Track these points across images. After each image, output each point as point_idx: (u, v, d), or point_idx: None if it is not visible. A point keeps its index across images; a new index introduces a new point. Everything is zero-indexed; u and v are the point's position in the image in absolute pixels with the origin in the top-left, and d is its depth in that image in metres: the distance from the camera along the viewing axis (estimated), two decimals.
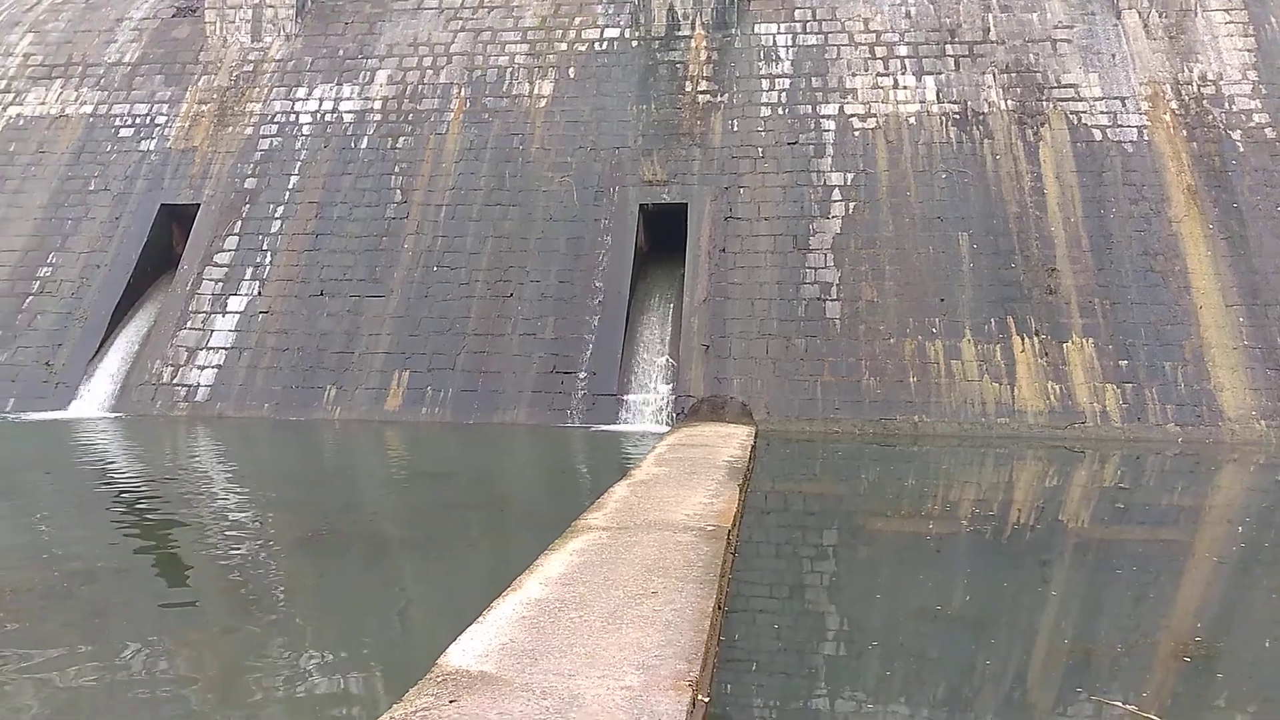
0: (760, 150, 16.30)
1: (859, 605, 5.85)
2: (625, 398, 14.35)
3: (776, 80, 16.99)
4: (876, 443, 13.07)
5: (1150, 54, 16.67)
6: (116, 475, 10.65)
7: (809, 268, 15.13)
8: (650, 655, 3.40)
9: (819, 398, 14.05)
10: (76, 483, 9.98)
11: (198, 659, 4.64)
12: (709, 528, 5.60)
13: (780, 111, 16.63)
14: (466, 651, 3.32)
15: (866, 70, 16.89)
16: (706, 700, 3.37)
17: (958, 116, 16.33)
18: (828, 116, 16.47)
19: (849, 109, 16.53)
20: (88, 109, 18.61)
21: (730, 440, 10.62)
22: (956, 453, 12.53)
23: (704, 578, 4.49)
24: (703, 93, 17.06)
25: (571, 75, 17.51)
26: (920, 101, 16.52)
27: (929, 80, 16.73)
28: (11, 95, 19.07)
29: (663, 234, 16.30)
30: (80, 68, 19.18)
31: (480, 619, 3.70)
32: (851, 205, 15.62)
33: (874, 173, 15.89)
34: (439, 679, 3.06)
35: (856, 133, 16.29)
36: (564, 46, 17.85)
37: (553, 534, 6.15)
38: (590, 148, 16.68)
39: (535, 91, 17.43)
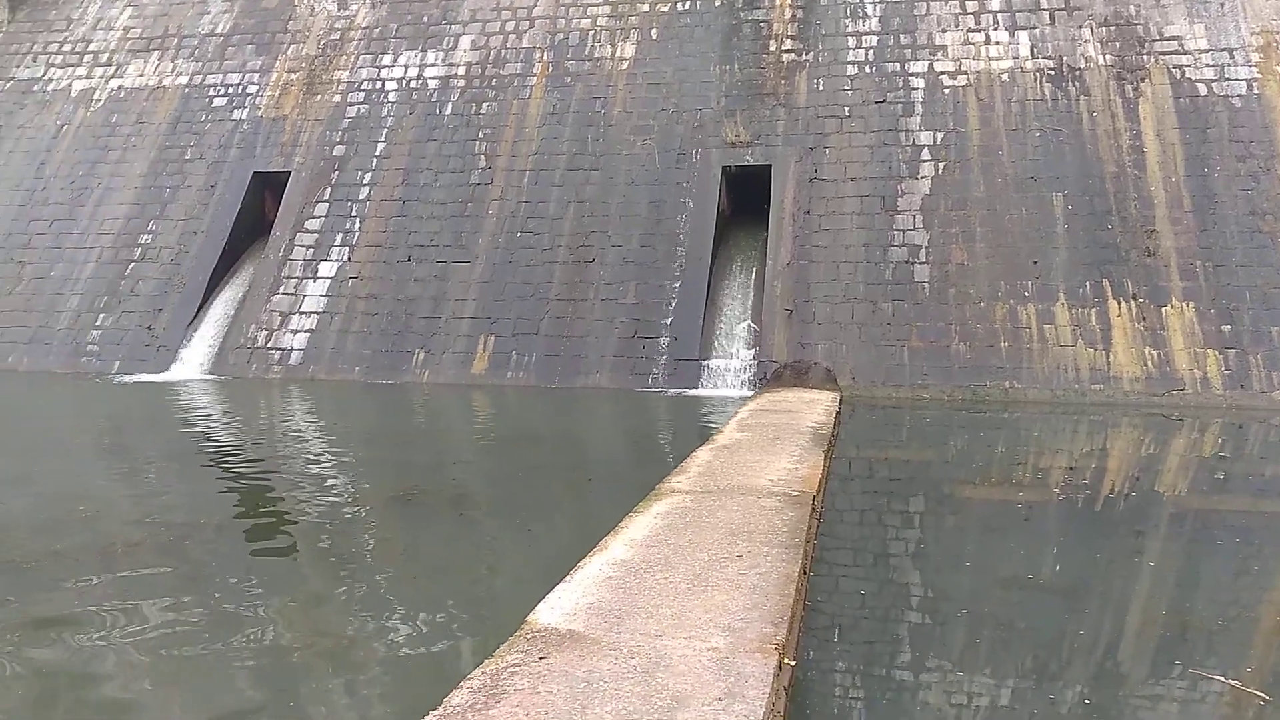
0: (846, 110, 15.99)
1: (945, 573, 5.77)
2: (707, 362, 14.32)
3: (863, 38, 16.61)
4: (965, 409, 12.83)
5: (1263, 1, 15.83)
6: (215, 435, 11.03)
7: (897, 230, 14.85)
8: (736, 618, 3.41)
9: (906, 363, 13.83)
10: (178, 442, 10.37)
11: (293, 614, 4.80)
12: (794, 493, 5.57)
13: (867, 70, 16.27)
14: (555, 610, 3.37)
15: (957, 26, 16.41)
16: (792, 664, 3.37)
17: (1052, 72, 15.77)
18: (917, 74, 16.07)
19: (939, 66, 16.10)
20: (183, 80, 19.11)
21: (814, 406, 10.53)
22: (1048, 420, 12.23)
23: (789, 542, 4.47)
24: (787, 52, 16.77)
25: (654, 37, 17.37)
26: (1014, 58, 15.99)
27: (1022, 35, 16.18)
28: (113, 68, 19.68)
29: (745, 196, 16.14)
30: (176, 39, 19.69)
31: (567, 579, 3.75)
32: (941, 165, 15.24)
33: (964, 132, 15.47)
34: (529, 636, 3.11)
35: (946, 90, 15.86)
36: (646, 8, 17.70)
37: (634, 497, 6.20)
38: (672, 110, 16.56)
39: (617, 54, 17.35)
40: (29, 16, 21.02)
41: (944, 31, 16.40)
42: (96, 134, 18.90)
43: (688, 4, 17.58)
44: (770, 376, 13.90)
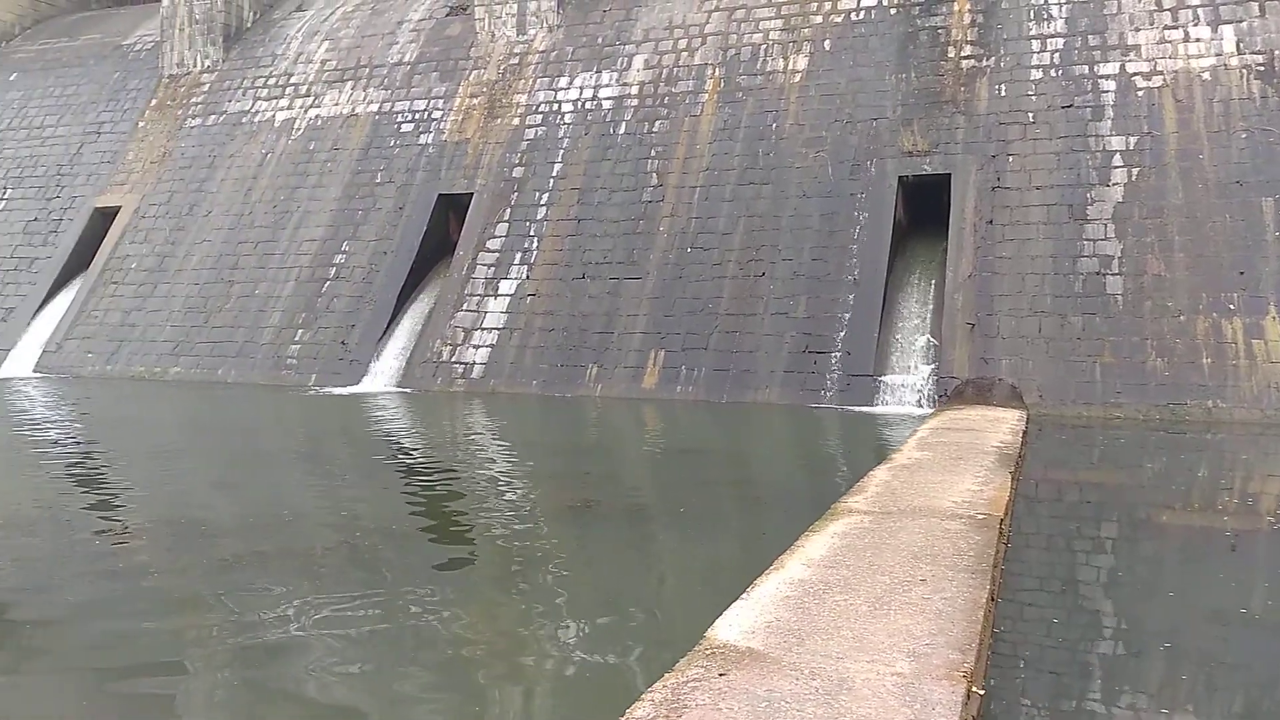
0: (1031, 115, 15.34)
1: (1143, 603, 5.41)
2: (882, 379, 13.98)
3: (1048, 40, 15.92)
4: (1163, 429, 12.04)
5: None
6: (403, 445, 11.57)
7: (1087, 240, 14.12)
8: (921, 643, 3.30)
9: (1098, 380, 13.10)
10: (369, 451, 10.93)
11: (474, 620, 4.95)
12: (979, 516, 5.35)
13: (1053, 73, 15.58)
14: (733, 627, 3.35)
15: (1152, 24, 15.49)
16: (981, 693, 3.23)
17: (1261, 69, 14.66)
18: (1107, 76, 15.26)
19: (1131, 67, 15.24)
20: (374, 107, 20.21)
21: (999, 425, 10.12)
22: (1258, 442, 11.33)
23: (975, 567, 4.30)
24: (966, 58, 16.26)
25: (827, 48, 17.18)
26: (1216, 54, 14.97)
27: (1226, 30, 15.12)
28: (311, 99, 21.02)
29: (923, 207, 15.71)
30: (367, 70, 20.85)
31: (745, 596, 3.72)
32: (1135, 171, 14.41)
33: (1160, 135, 14.57)
34: (708, 652, 3.10)
35: (1140, 92, 14.99)
36: (819, 19, 17.54)
37: (807, 514, 6.10)
38: (846, 121, 16.31)
39: (789, 67, 17.24)
40: (240, 55, 22.73)
41: (1137, 30, 15.52)
42: (296, 161, 20.21)
43: (862, 14, 17.31)
44: (950, 393, 13.44)
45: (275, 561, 5.94)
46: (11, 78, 25.22)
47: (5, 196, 22.77)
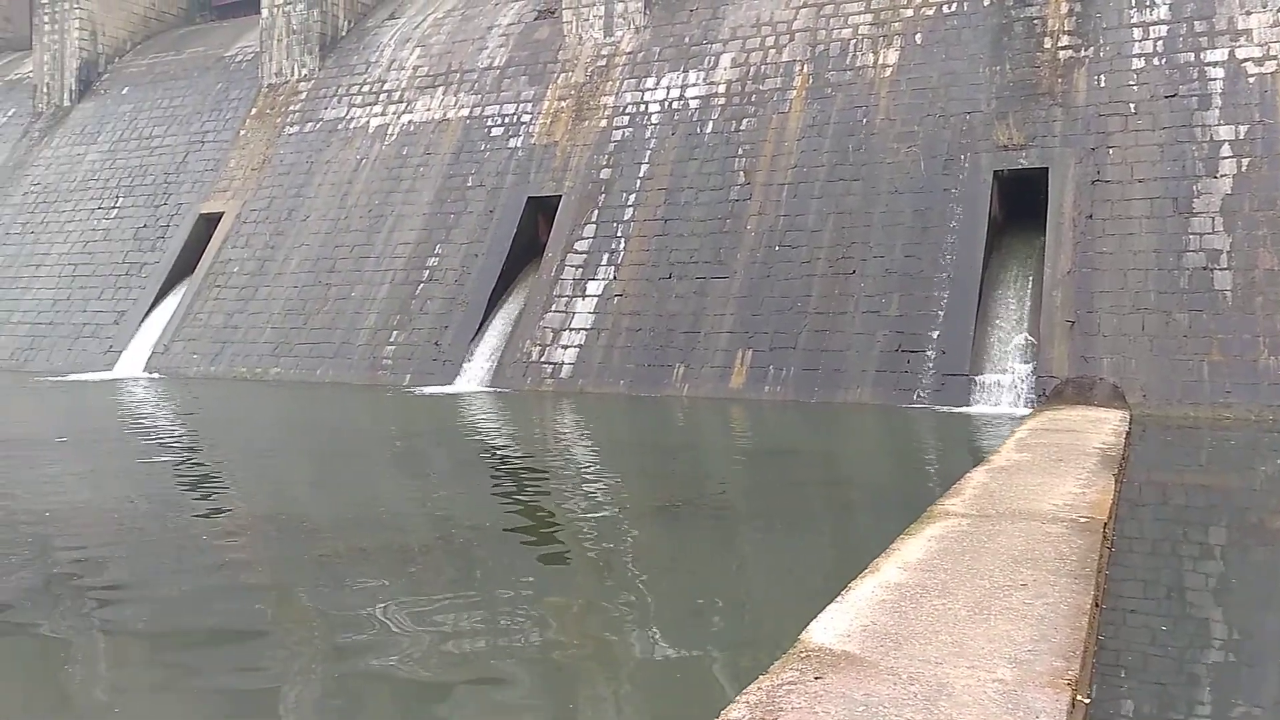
0: (1132, 106, 14.83)
1: (1254, 612, 5.19)
2: (978, 378, 13.67)
3: (1151, 28, 15.36)
4: (1276, 430, 11.52)
5: None
6: (495, 444, 11.74)
7: (1193, 234, 13.59)
8: (1023, 649, 3.21)
9: (1205, 379, 12.60)
10: (462, 449, 11.11)
11: (565, 621, 4.99)
12: (1081, 519, 5.19)
13: (1156, 62, 15.03)
14: (828, 630, 3.31)
15: (1265, 6, 14.83)
16: (1087, 702, 3.13)
17: None
18: (1214, 64, 14.66)
19: (1241, 53, 14.61)
20: (465, 112, 20.54)
21: (1101, 425, 9.80)
22: None
23: (1079, 572, 4.17)
24: (1064, 48, 15.79)
25: (918, 41, 16.87)
26: None
27: None
28: (404, 104, 21.46)
29: (1019, 201, 15.31)
30: (458, 75, 21.20)
31: (840, 599, 3.67)
32: (1245, 162, 13.81)
33: (1273, 123, 13.94)
34: (803, 655, 3.07)
35: (1251, 79, 14.37)
36: (910, 13, 17.23)
37: (900, 517, 5.99)
38: (939, 115, 16.00)
39: (880, 61, 16.98)
40: (335, 63, 23.33)
41: (1248, 14, 14.87)
42: (390, 166, 20.66)
43: (954, 6, 16.95)
44: (1049, 393, 13.07)
45: (373, 558, 6.07)
46: (123, 91, 26.34)
47: (117, 204, 23.78)
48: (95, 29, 27.24)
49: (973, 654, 3.16)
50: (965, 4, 16.85)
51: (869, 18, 17.54)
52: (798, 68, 17.62)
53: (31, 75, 28.01)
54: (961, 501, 5.67)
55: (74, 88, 26.90)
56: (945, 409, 13.25)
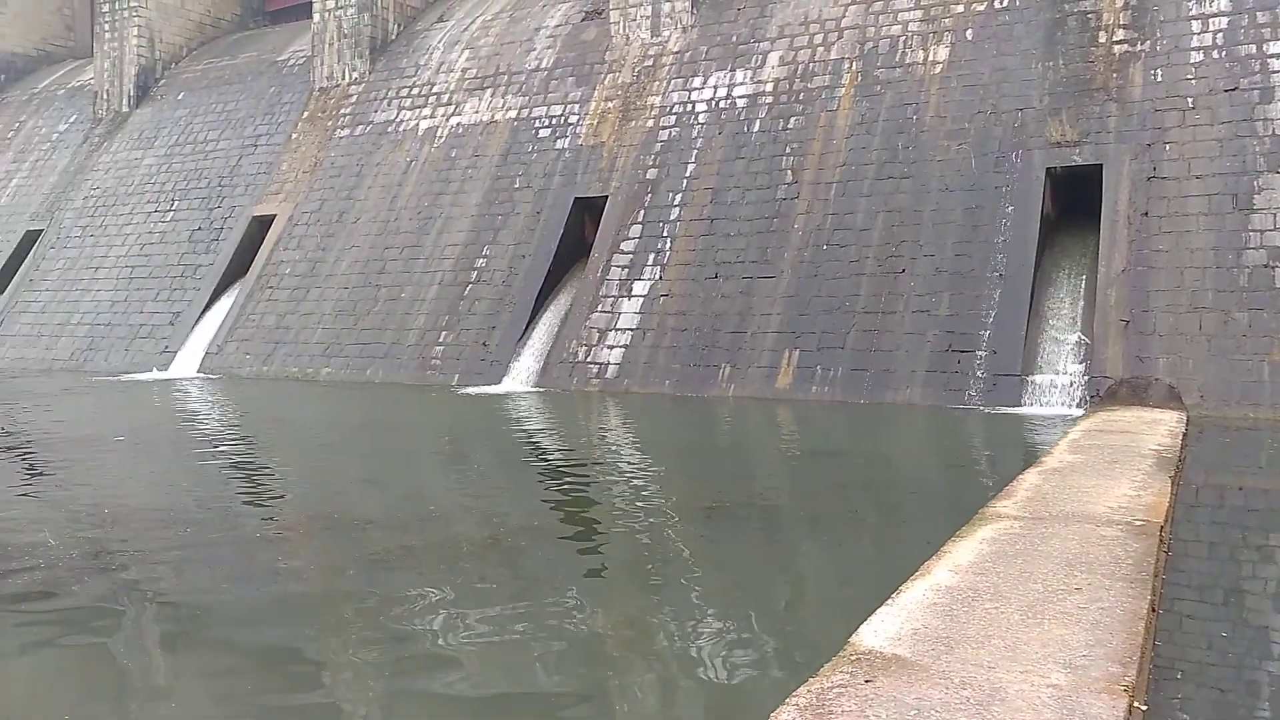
0: (1190, 101, 14.51)
1: None
2: (1030, 378, 13.46)
3: (1210, 20, 15.02)
4: None
5: None
6: (542, 443, 11.79)
7: (1253, 230, 13.26)
8: (1077, 654, 3.15)
9: (1266, 380, 12.30)
10: (510, 449, 11.18)
11: (612, 622, 4.99)
12: (1137, 522, 5.09)
13: (1215, 55, 14.69)
14: (878, 633, 3.27)
15: None
16: (1144, 709, 3.06)
17: None
18: (1277, 56, 14.29)
19: None
20: (512, 114, 20.65)
21: (1157, 427, 9.60)
22: None
23: (1135, 576, 4.08)
24: (1119, 42, 15.50)
25: (969, 37, 16.66)
26: None
27: None
28: (452, 107, 21.63)
29: (1073, 199, 15.05)
30: (506, 77, 21.32)
31: (890, 602, 3.63)
32: None
33: None
34: (853, 658, 3.04)
35: None
36: (960, 9, 17.02)
37: (950, 519, 5.91)
38: (990, 111, 15.78)
39: (930, 58, 16.79)
40: (385, 66, 23.59)
41: None
42: (439, 168, 20.84)
43: (1006, 1, 16.70)
44: (1103, 394, 12.84)
45: (422, 556, 6.12)
46: (179, 96, 26.86)
47: (173, 208, 24.26)
48: (153, 36, 27.81)
49: (1026, 658, 3.11)
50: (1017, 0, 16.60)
51: (919, 14, 17.35)
52: (846, 65, 17.48)
53: (92, 82, 28.66)
54: (1013, 504, 5.58)
55: (132, 94, 27.49)
56: (996, 410, 13.06)
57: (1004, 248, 14.52)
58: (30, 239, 26.24)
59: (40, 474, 9.73)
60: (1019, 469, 7.01)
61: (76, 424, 13.99)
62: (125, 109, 27.55)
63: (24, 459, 10.70)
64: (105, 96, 27.91)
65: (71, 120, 28.65)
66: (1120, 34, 15.54)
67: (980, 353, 13.82)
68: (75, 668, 4.53)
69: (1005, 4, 16.67)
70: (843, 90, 17.24)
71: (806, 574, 6.02)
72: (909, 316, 14.59)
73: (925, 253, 15.04)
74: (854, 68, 17.38)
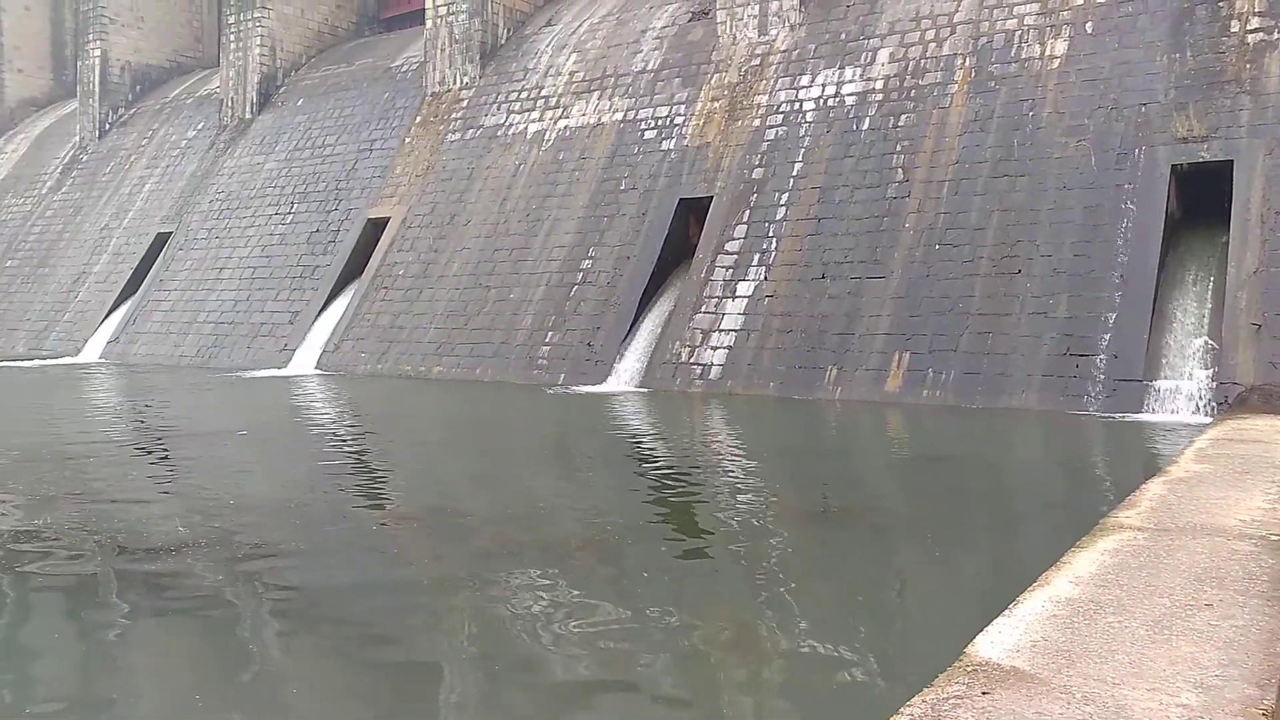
0: None
1: None
2: (1153, 384, 12.91)
3: None
4: None
5: None
6: (646, 444, 11.83)
7: None
8: (1209, 674, 3.00)
9: None
10: (614, 449, 11.24)
11: (717, 626, 4.96)
12: (1272, 537, 4.82)
13: None
14: (995, 644, 3.17)
15: None
16: None
17: None
18: None
19: None
20: (619, 116, 20.78)
21: None
22: None
23: (1271, 594, 3.87)
24: (1253, 31, 14.75)
25: (1089, 30, 16.08)
26: None
27: None
28: (560, 110, 21.89)
29: (1199, 197, 14.38)
30: (613, 79, 21.47)
31: (1007, 612, 3.52)
32: None
33: None
34: (969, 669, 2.96)
35: None
36: (1080, 2, 16.43)
37: (1067, 528, 5.70)
38: (1111, 107, 15.20)
39: (1047, 53, 16.26)
40: (495, 71, 24.02)
41: None
42: (546, 171, 21.11)
43: None
44: (1232, 401, 12.22)
45: (529, 552, 6.21)
46: (299, 102, 27.85)
47: (293, 210, 25.16)
48: (274, 45, 28.89)
49: (1153, 676, 2.97)
50: None
51: (1035, 7, 16.82)
52: (959, 61, 17.07)
53: (218, 91, 29.94)
54: (1137, 514, 5.36)
55: (255, 101, 28.61)
56: (1117, 416, 12.58)
57: (1125, 248, 13.97)
58: (161, 241, 27.55)
59: (171, 466, 10.21)
60: (1141, 478, 6.73)
61: (203, 419, 14.63)
62: (248, 115, 28.69)
63: (157, 452, 11.25)
64: (230, 104, 29.12)
65: (199, 127, 29.98)
66: (1255, 22, 14.79)
67: (1100, 356, 13.33)
68: (198, 647, 4.73)
69: None
70: (955, 87, 16.84)
71: (917, 581, 5.89)
72: (1025, 318, 14.16)
73: (1042, 253, 14.57)
74: (967, 64, 16.96)
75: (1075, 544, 4.65)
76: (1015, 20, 16.88)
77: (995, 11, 17.17)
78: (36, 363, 24.48)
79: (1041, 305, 14.11)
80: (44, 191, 32.71)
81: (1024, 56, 16.44)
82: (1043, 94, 15.90)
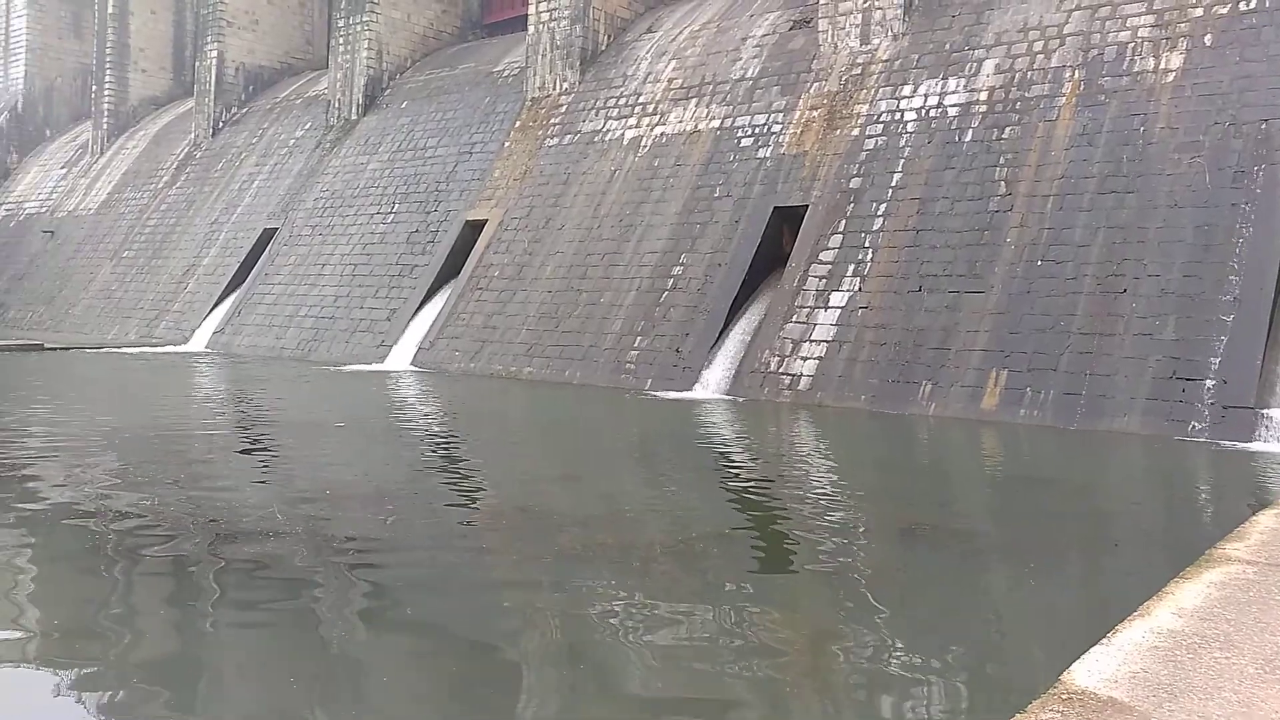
0: None
1: None
2: (1265, 412, 12.36)
3: None
4: None
5: None
6: (732, 452, 11.77)
7: None
8: None
9: None
10: (701, 455, 11.22)
11: (799, 642, 4.90)
12: None
13: None
14: (1093, 674, 3.08)
15: None
16: None
17: None
18: None
19: None
20: (716, 124, 20.75)
21: None
22: None
23: None
24: None
25: (1208, 43, 15.49)
26: None
27: None
28: (657, 117, 21.97)
29: None
30: (711, 87, 21.46)
31: (1105, 641, 3.40)
32: None
33: None
34: (1064, 697, 2.87)
35: None
36: (1199, 12, 15.85)
37: (1168, 558, 5.49)
38: (1229, 123, 14.61)
39: (1161, 66, 15.72)
40: (594, 77, 24.23)
41: None
42: (641, 177, 21.20)
43: (1253, 3, 15.43)
44: None
45: (614, 554, 6.23)
46: (403, 105, 28.50)
47: (394, 210, 25.74)
48: (381, 48, 29.63)
49: (1262, 717, 2.84)
50: (1266, 0, 15.31)
51: (1151, 19, 16.28)
52: (1068, 74, 16.61)
53: (326, 92, 30.83)
54: (1246, 547, 5.13)
55: (360, 102, 29.37)
56: (1225, 444, 12.06)
57: (1240, 269, 13.41)
58: (267, 236, 28.47)
59: (273, 454, 10.54)
60: (1250, 509, 6.44)
61: (303, 410, 15.06)
62: (354, 117, 29.47)
63: (259, 441, 11.62)
64: (337, 105, 29.95)
65: (307, 127, 30.91)
66: None
67: (1209, 381, 12.81)
68: (286, 632, 4.86)
69: (1251, 5, 15.41)
70: (1063, 100, 16.39)
71: (1008, 604, 5.73)
72: (1130, 339, 13.69)
73: (1150, 272, 14.08)
74: (1076, 76, 16.49)
75: (1178, 575, 4.48)
76: (1129, 32, 16.37)
77: (1108, 23, 16.68)
78: (146, 350, 25.51)
79: (1148, 326, 13.63)
80: (160, 186, 34.11)
81: (1137, 69, 15.92)
82: (1155, 108, 15.38)
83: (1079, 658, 3.24)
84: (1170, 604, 3.95)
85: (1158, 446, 12.02)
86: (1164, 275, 13.92)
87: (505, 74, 26.66)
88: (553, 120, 24.12)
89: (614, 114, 22.91)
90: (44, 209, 38.39)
